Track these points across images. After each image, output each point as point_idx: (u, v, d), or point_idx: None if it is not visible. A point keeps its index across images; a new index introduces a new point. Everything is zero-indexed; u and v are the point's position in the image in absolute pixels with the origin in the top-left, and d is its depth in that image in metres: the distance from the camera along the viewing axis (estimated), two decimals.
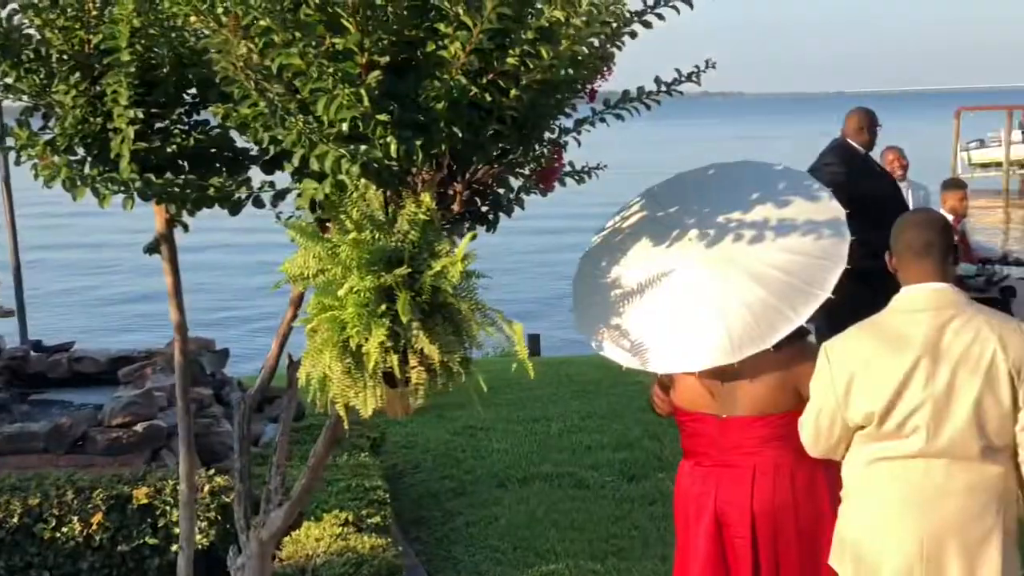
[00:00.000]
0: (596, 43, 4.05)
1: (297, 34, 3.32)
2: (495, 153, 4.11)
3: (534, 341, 12.11)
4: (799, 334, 3.79)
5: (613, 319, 3.90)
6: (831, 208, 3.89)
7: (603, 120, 4.38)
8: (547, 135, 4.44)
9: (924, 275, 3.42)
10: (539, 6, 3.63)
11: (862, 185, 7.38)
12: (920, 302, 3.41)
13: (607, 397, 8.46)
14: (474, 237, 4.11)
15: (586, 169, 4.81)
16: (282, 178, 3.97)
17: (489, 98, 3.62)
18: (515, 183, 4.54)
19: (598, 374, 9.23)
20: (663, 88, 4.39)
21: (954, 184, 9.81)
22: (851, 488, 3.53)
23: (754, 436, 3.84)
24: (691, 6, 4.26)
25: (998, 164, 40.64)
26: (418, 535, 6.11)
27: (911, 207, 8.16)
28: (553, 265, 22.43)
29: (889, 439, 3.37)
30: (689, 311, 3.77)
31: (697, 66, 4.43)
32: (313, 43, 3.33)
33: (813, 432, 3.54)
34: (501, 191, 4.49)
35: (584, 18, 3.57)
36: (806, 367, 3.64)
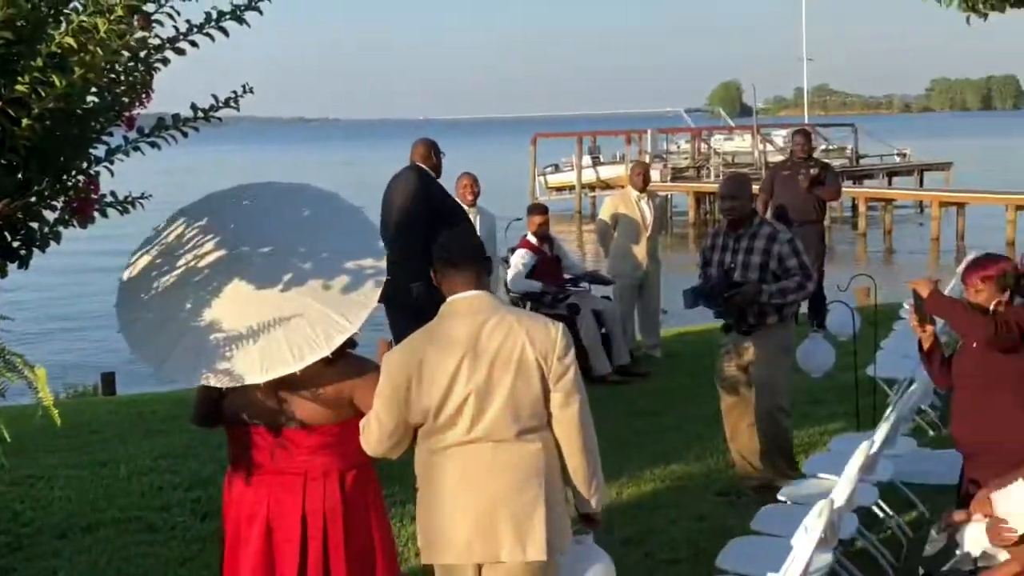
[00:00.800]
0: (122, 70, 3.89)
1: None
2: (15, 186, 3.84)
3: (109, 380, 11.51)
4: (350, 346, 3.99)
5: (167, 339, 3.93)
6: (364, 221, 4.28)
7: (137, 148, 4.21)
8: (83, 164, 4.22)
9: (463, 285, 3.84)
10: (51, 32, 3.43)
11: (431, 209, 7.73)
12: (461, 308, 3.82)
13: (183, 434, 8.15)
14: (2, 275, 3.83)
15: (130, 199, 4.61)
16: None
17: None
18: (50, 216, 4.27)
19: (176, 410, 8.87)
20: (200, 115, 4.29)
21: (535, 209, 10.51)
22: (420, 478, 3.87)
23: (309, 445, 3.97)
24: (226, 34, 4.19)
25: (571, 187, 43.55)
26: None
27: (479, 232, 8.56)
28: None
29: (444, 431, 3.76)
30: (246, 325, 3.84)
31: (235, 91, 4.36)
32: None
33: (377, 435, 3.82)
34: (35, 225, 4.21)
35: (102, 46, 3.41)
36: (361, 379, 3.92)
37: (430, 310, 4.09)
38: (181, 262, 4.19)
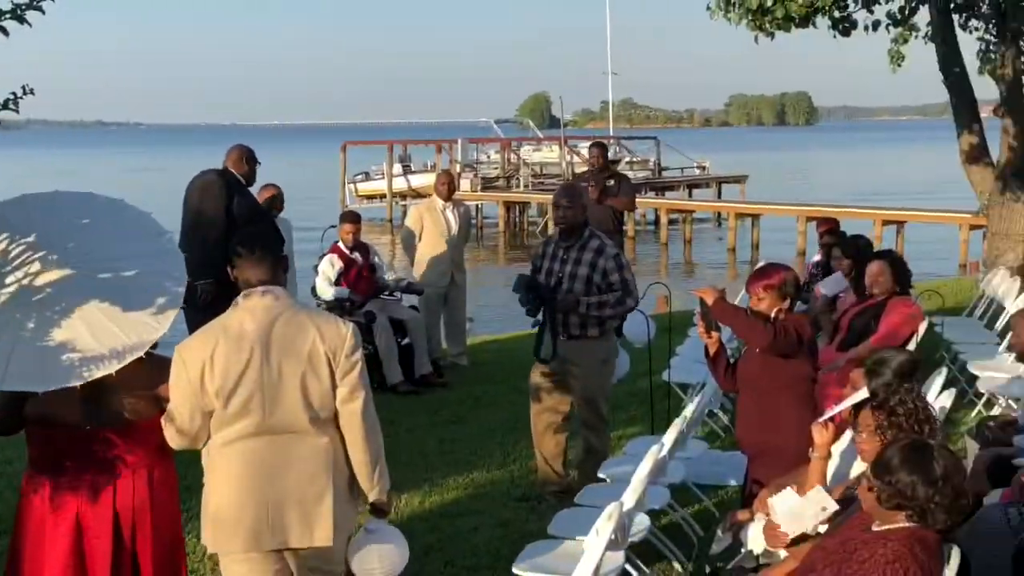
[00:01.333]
0: None
1: None
2: None
3: None
4: (153, 347, 4.11)
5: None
6: (152, 224, 4.37)
7: None
8: None
9: (258, 279, 3.96)
10: None
11: (228, 211, 7.70)
12: (255, 301, 3.93)
13: None
14: None
15: None
16: None
17: None
18: None
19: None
20: None
21: (347, 217, 10.49)
22: (209, 470, 3.97)
23: (119, 444, 4.07)
24: (6, 34, 4.06)
25: (382, 195, 43.41)
26: None
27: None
28: None
29: (235, 421, 3.87)
30: (58, 328, 3.92)
31: (14, 93, 4.22)
32: None
33: (176, 426, 3.92)
34: None
35: None
36: (165, 376, 3.97)
37: (219, 308, 4.20)
38: None
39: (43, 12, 4.00)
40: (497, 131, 53.51)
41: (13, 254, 4.13)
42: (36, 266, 4.09)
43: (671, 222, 34.18)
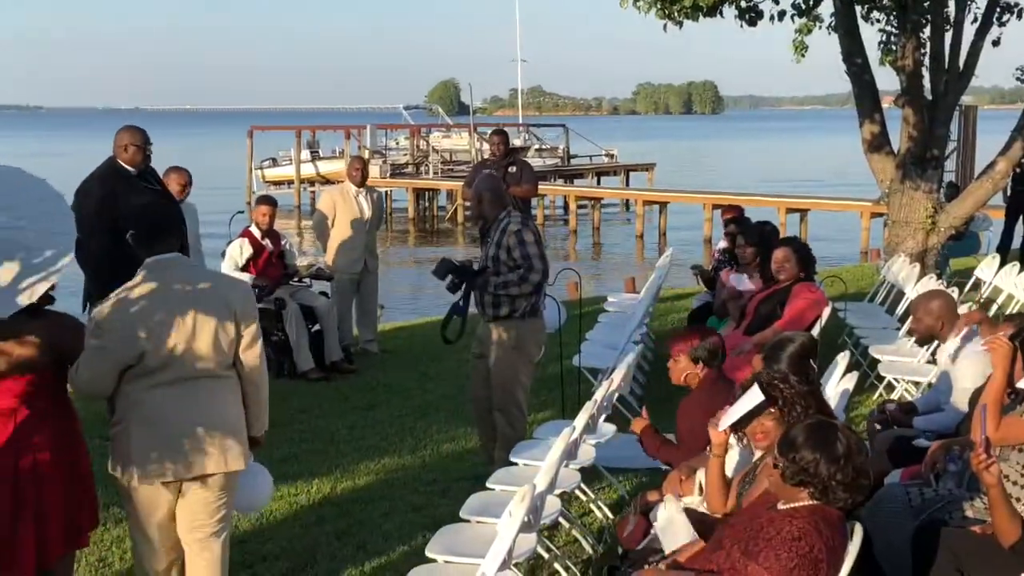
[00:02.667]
0: None
1: None
2: None
3: None
4: (48, 303, 4.44)
5: None
6: (64, 204, 4.62)
7: None
8: None
9: (167, 248, 4.50)
10: None
11: (132, 202, 7.38)
12: (167, 264, 4.47)
13: None
14: None
15: None
16: None
17: None
18: None
19: None
20: None
21: (263, 200, 10.44)
22: (130, 413, 4.39)
23: (16, 388, 4.32)
24: None
25: (290, 181, 42.98)
26: None
27: (189, 227, 8.32)
28: None
29: (158, 371, 4.35)
30: None
31: None
32: None
33: (89, 377, 4.34)
34: None
35: None
36: (65, 329, 4.41)
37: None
38: None
39: None
40: (406, 117, 53.35)
41: None
42: None
43: (580, 207, 34.44)
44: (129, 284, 4.41)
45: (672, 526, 4.55)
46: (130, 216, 7.19)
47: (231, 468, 4.52)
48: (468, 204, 6.81)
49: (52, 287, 4.36)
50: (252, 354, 4.56)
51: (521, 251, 6.62)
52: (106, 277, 6.63)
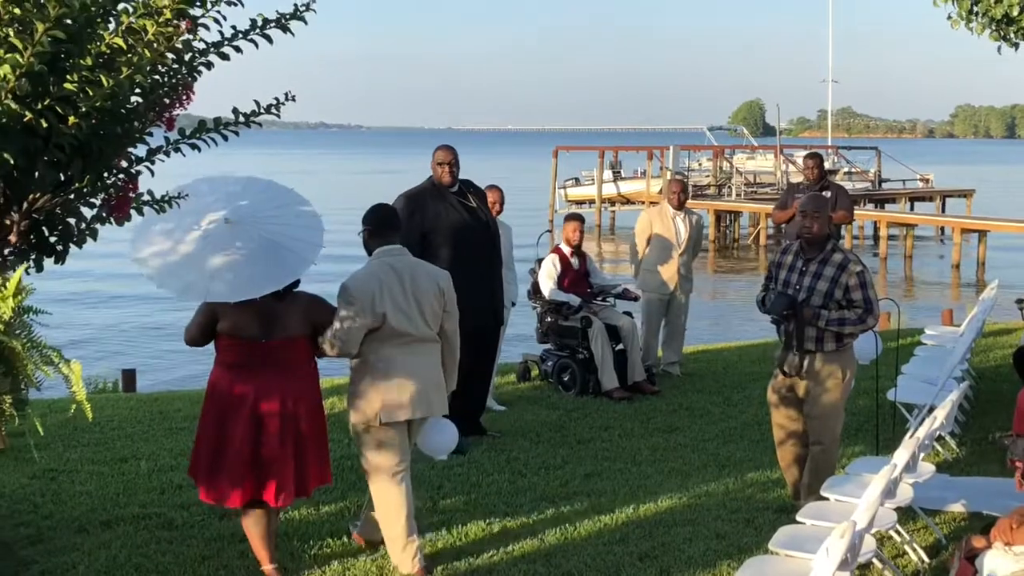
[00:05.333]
0: (170, 72, 3.95)
1: None
2: (57, 182, 3.90)
3: (129, 377, 11.56)
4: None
5: (186, 270, 5.34)
6: (297, 196, 5.79)
7: (178, 150, 4.27)
8: (122, 163, 4.27)
9: (389, 240, 5.79)
10: (100, 32, 3.48)
11: (430, 227, 7.90)
12: (394, 252, 5.75)
13: None
14: (32, 270, 3.88)
15: (167, 198, 4.67)
16: None
17: (45, 124, 3.43)
18: (88, 213, 4.32)
19: (197, 409, 8.90)
20: (241, 119, 4.34)
21: (572, 217, 10.66)
22: (369, 367, 5.63)
23: (285, 351, 5.51)
24: (270, 41, 4.25)
25: (591, 200, 43.61)
26: None
27: (503, 243, 8.64)
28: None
29: (390, 334, 5.59)
30: (238, 259, 5.32)
31: (277, 98, 4.42)
32: None
33: (343, 339, 5.54)
34: (72, 221, 4.26)
35: (148, 47, 3.47)
36: (316, 305, 5.60)
37: None
38: (190, 221, 5.35)
39: (305, 23, 4.19)
40: (710, 138, 52.95)
41: (211, 207, 5.42)
42: (221, 214, 5.39)
43: (891, 236, 33.04)
44: (368, 267, 5.69)
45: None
46: (434, 227, 7.75)
47: (440, 412, 5.85)
48: (808, 220, 6.54)
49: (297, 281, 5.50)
50: (452, 325, 5.84)
51: (863, 293, 6.42)
52: None
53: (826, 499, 5.96)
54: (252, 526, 5.68)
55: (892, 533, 5.87)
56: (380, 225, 5.83)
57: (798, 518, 5.64)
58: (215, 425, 5.52)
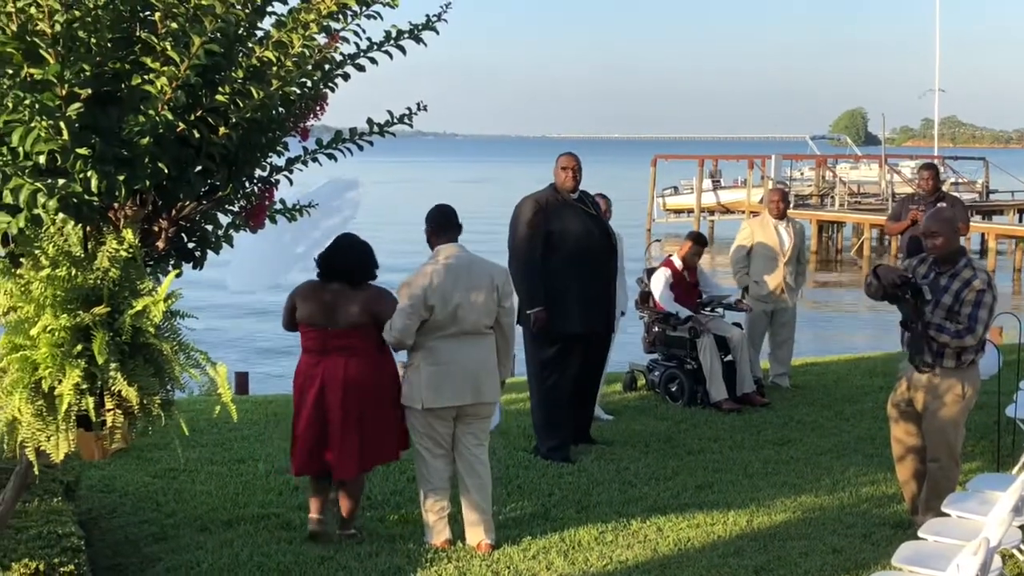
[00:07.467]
0: (308, 83, 4.06)
1: None
2: (203, 190, 4.04)
3: (241, 380, 11.83)
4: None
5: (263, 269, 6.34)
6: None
7: (315, 160, 4.39)
8: (258, 172, 4.40)
9: (447, 239, 6.29)
10: (250, 45, 3.60)
11: (555, 228, 7.94)
12: (451, 251, 6.24)
13: None
14: (179, 275, 4.02)
15: (297, 207, 4.80)
16: None
17: (197, 134, 3.56)
18: (224, 220, 4.46)
19: None
20: (375, 129, 4.44)
21: (694, 237, 10.65)
22: (425, 355, 6.15)
23: (348, 338, 6.13)
24: (404, 52, 4.34)
25: (690, 210, 43.26)
26: None
27: (617, 247, 8.66)
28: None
29: (444, 326, 6.12)
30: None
31: (409, 108, 4.51)
32: (8, 72, 3.17)
33: (399, 330, 6.10)
34: (209, 227, 4.40)
35: (295, 60, 3.58)
36: (380, 298, 6.15)
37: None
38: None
39: (437, 32, 4.27)
40: (812, 148, 52.21)
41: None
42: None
43: (999, 249, 32.20)
44: (428, 263, 6.20)
45: None
46: (559, 230, 7.84)
47: (492, 399, 6.38)
48: (931, 239, 6.42)
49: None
50: (507, 322, 6.34)
51: (971, 311, 6.29)
52: (536, 279, 7.99)
53: (947, 515, 5.86)
54: (314, 492, 6.42)
55: (1015, 551, 5.75)
56: (440, 224, 6.31)
57: (920, 534, 5.55)
58: (298, 402, 6.29)
